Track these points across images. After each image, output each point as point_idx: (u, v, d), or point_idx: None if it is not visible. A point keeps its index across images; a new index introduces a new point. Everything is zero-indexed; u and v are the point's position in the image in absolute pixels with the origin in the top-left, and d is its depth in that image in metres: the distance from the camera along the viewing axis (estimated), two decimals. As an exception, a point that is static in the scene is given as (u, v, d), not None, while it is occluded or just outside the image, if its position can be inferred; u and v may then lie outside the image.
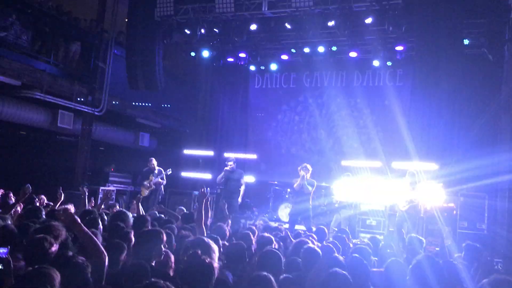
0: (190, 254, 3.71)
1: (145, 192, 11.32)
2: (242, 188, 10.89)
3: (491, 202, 10.08)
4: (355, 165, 12.77)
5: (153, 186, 11.31)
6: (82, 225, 3.51)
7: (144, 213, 7.13)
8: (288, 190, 12.76)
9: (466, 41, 10.74)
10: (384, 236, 9.57)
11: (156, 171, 11.45)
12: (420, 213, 9.73)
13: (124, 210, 5.89)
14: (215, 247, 4.06)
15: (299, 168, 10.51)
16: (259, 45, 13.52)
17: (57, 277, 3.02)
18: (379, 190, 11.27)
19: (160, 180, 11.41)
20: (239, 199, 10.85)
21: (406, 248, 6.42)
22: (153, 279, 2.89)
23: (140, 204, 7.69)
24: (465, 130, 12.31)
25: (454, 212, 10.69)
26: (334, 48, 12.49)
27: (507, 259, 7.52)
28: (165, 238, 4.19)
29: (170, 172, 11.80)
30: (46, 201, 7.77)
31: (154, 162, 11.54)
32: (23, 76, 10.79)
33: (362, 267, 4.24)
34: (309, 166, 10.44)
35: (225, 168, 10.96)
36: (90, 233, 3.56)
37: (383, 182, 11.34)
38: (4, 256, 3.58)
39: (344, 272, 3.81)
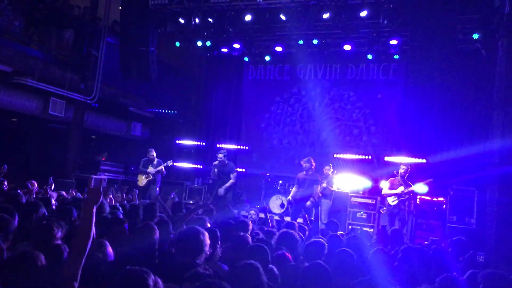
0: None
1: (142, 182, 11.30)
2: (230, 182, 10.86)
3: (480, 197, 10.17)
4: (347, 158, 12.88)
5: (151, 177, 11.30)
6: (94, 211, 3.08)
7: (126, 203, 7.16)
8: (280, 181, 12.80)
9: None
10: (378, 231, 9.65)
11: (155, 162, 11.43)
12: (411, 206, 9.81)
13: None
14: (206, 234, 4.06)
15: (302, 161, 10.55)
16: (254, 36, 13.48)
17: (42, 260, 3.06)
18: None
19: (162, 169, 11.39)
20: (221, 190, 10.80)
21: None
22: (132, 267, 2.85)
23: (124, 194, 7.72)
24: (456, 125, 12.41)
25: (444, 206, 10.78)
26: (328, 41, 12.48)
27: (496, 252, 7.61)
28: (157, 234, 4.24)
29: (171, 163, 11.74)
30: (37, 188, 7.74)
31: (154, 153, 11.52)
32: (15, 63, 10.69)
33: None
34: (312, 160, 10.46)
35: (214, 162, 11.04)
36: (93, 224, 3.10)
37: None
38: None
39: (325, 264, 3.87)
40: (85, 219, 2.95)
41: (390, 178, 10.13)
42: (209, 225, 5.31)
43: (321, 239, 5.04)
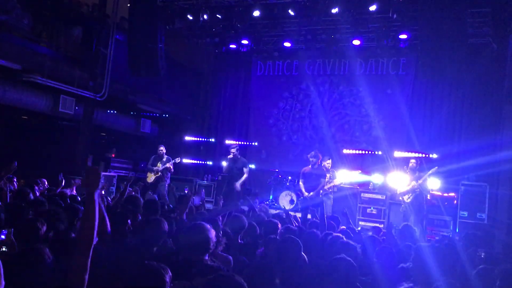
0: None
1: (151, 178, 11.31)
2: (244, 177, 10.80)
3: (491, 192, 10.08)
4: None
5: (160, 173, 11.31)
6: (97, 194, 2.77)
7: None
8: (289, 177, 12.75)
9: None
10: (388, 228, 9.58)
11: (164, 159, 11.43)
12: (423, 202, 9.75)
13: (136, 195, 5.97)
14: (212, 231, 4.04)
15: (309, 155, 10.42)
16: (262, 32, 13.43)
17: (49, 257, 3.07)
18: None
19: (170, 166, 11.38)
20: (238, 186, 10.75)
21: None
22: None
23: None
24: (467, 120, 12.31)
25: (455, 201, 10.70)
26: (337, 36, 12.41)
27: (507, 246, 7.54)
28: (166, 227, 4.23)
29: (179, 160, 11.75)
30: (47, 185, 7.78)
31: (163, 149, 11.53)
32: (24, 60, 10.72)
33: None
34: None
35: (228, 156, 10.96)
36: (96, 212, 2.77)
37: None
38: (3, 239, 3.63)
39: (349, 258, 3.80)
40: (87, 207, 2.72)
41: (402, 174, 10.08)
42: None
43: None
